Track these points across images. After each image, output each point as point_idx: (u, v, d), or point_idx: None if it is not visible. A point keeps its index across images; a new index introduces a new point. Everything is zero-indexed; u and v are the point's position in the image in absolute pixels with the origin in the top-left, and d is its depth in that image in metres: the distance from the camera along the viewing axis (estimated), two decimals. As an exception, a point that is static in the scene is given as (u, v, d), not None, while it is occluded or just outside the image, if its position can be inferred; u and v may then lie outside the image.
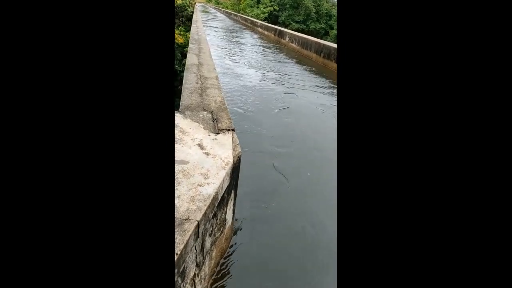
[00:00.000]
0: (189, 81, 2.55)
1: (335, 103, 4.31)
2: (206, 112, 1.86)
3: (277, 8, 26.12)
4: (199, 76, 2.74)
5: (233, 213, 1.61)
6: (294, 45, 9.26)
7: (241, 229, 1.78)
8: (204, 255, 1.17)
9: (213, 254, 1.36)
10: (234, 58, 7.31)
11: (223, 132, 1.62)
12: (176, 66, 13.56)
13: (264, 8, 24.14)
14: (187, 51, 13.52)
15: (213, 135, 1.55)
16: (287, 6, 27.41)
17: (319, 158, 2.87)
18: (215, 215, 1.21)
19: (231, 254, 1.61)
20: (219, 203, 1.22)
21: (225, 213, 1.39)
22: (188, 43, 14.00)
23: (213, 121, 1.74)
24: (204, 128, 1.62)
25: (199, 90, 2.33)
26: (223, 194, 1.25)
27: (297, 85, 5.33)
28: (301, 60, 7.73)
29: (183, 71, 10.87)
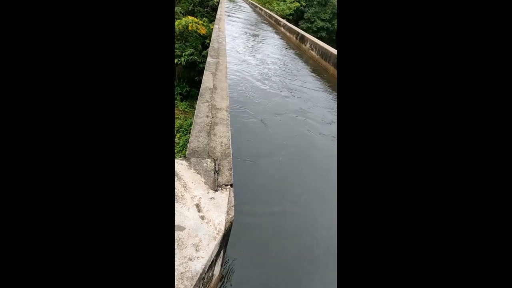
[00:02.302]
0: (201, 113, 2.71)
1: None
2: (210, 160, 2.03)
3: (304, 4, 25.63)
4: (211, 106, 2.89)
5: (221, 265, 1.79)
6: (314, 53, 9.21)
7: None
8: (188, 313, 1.36)
9: (198, 306, 1.55)
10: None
11: (221, 189, 1.78)
12: (196, 58, 13.61)
13: (290, 3, 23.71)
14: (208, 43, 13.40)
15: (211, 193, 1.72)
16: (315, 2, 26.83)
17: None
18: (202, 278, 1.39)
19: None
20: (208, 268, 1.40)
21: (213, 271, 1.58)
22: (210, 34, 13.97)
23: (214, 173, 1.90)
24: (205, 183, 1.79)
25: (208, 127, 2.49)
26: (212, 259, 1.43)
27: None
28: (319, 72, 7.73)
29: (201, 62, 10.95)
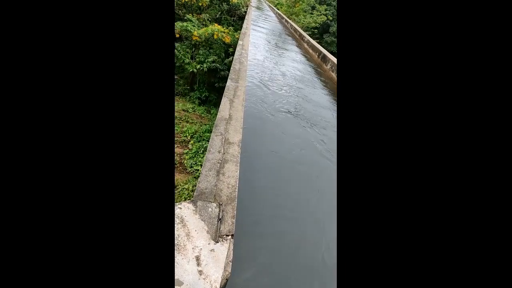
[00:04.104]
0: (213, 148, 2.83)
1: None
2: (215, 205, 2.13)
3: (331, 18, 25.61)
4: (224, 140, 3.01)
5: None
6: (333, 75, 9.22)
7: None
8: None
9: None
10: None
11: (222, 240, 1.87)
12: (218, 65, 13.91)
13: (317, 16, 23.76)
14: (231, 52, 13.61)
15: (212, 244, 1.82)
16: (342, 17, 26.69)
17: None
18: (193, 334, 1.48)
19: None
20: (199, 324, 1.49)
21: (205, 323, 1.66)
22: (234, 44, 14.20)
23: (217, 221, 2.00)
24: (207, 232, 1.89)
25: (218, 165, 2.60)
26: (204, 316, 1.52)
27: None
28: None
29: (223, 70, 11.20)
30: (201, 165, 9.18)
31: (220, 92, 14.55)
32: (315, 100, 6.46)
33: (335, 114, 6.09)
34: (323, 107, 6.18)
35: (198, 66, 13.07)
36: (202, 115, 13.21)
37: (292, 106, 5.48)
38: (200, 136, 10.57)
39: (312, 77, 9.01)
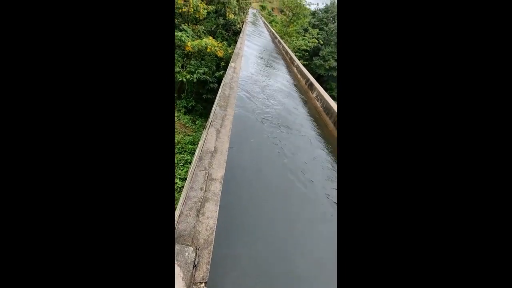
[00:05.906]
0: (196, 184, 2.94)
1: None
2: (192, 249, 2.23)
3: (322, 43, 26.74)
4: (207, 176, 3.13)
5: None
6: (318, 104, 9.63)
7: None
8: None
9: None
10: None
11: (196, 288, 1.98)
12: (208, 77, 14.01)
13: (309, 39, 24.70)
14: (223, 66, 13.74)
15: (186, 292, 1.92)
16: (332, 43, 28.02)
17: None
18: None
19: None
20: None
21: None
22: (226, 58, 14.35)
23: (193, 267, 2.11)
24: (182, 279, 1.99)
25: (199, 204, 2.71)
26: None
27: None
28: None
29: (212, 82, 11.29)
30: (180, 179, 9.12)
31: (207, 102, 14.60)
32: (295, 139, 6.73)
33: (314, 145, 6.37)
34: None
35: (188, 76, 13.13)
36: (187, 125, 13.19)
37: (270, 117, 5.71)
38: (182, 148, 10.54)
39: (296, 103, 9.36)
